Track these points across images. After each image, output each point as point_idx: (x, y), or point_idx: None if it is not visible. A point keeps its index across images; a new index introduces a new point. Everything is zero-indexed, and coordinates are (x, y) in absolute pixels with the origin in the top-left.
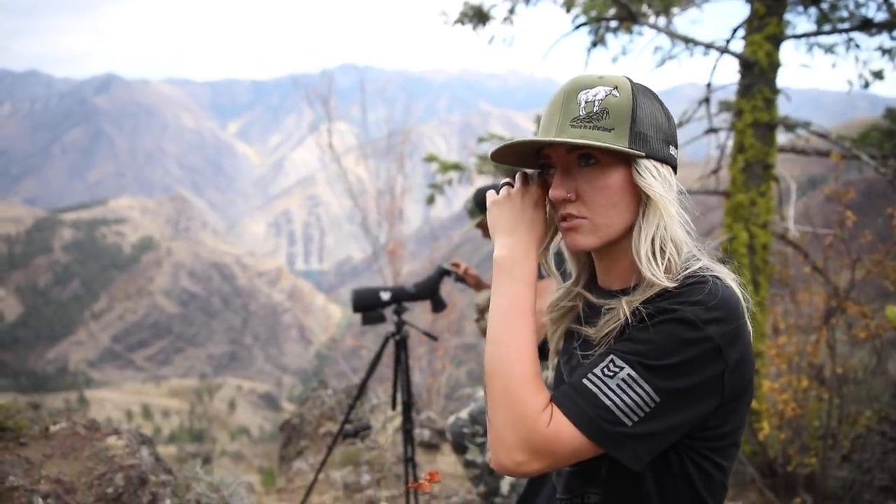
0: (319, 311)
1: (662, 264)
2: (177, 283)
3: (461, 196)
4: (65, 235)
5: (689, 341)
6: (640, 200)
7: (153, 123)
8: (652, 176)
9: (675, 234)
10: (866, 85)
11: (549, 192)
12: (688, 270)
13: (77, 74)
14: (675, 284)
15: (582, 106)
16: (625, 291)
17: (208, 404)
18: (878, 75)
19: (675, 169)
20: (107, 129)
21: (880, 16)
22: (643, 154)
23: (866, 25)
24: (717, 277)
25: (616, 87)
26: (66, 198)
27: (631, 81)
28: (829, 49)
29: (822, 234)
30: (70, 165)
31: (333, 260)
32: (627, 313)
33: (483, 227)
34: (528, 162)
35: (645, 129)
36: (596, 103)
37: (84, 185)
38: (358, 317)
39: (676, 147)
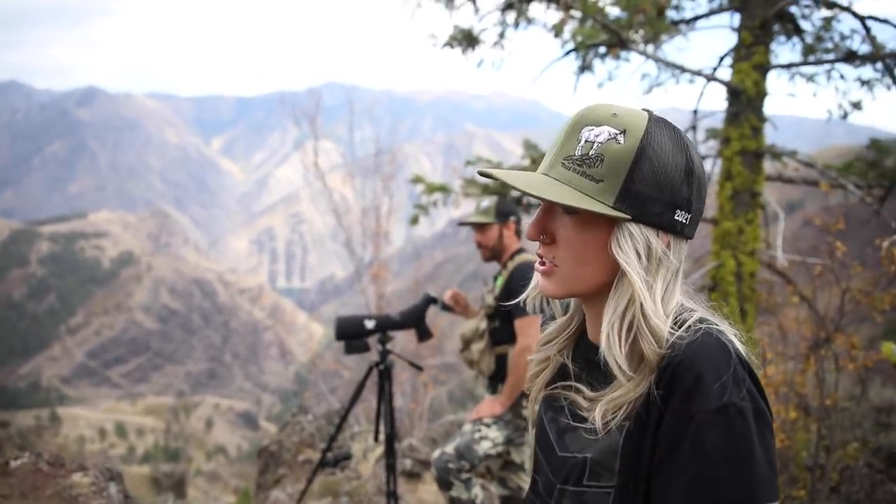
0: (301, 329)
1: (624, 348)
2: (156, 298)
3: (444, 216)
4: (42, 248)
5: (755, 433)
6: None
7: (136, 137)
8: (634, 247)
9: (650, 320)
10: (845, 115)
11: (527, 227)
12: (681, 328)
13: (59, 86)
14: (645, 378)
15: (581, 144)
16: None
17: (185, 423)
18: (857, 105)
19: (683, 235)
20: (88, 142)
21: (864, 48)
22: (629, 217)
23: (850, 57)
24: (720, 332)
25: (624, 132)
26: (44, 210)
27: (650, 125)
28: (811, 79)
29: (809, 262)
30: (50, 178)
31: (316, 278)
32: (637, 391)
33: (487, 229)
34: None
35: (644, 186)
36: (595, 145)
37: (64, 197)
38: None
39: (689, 210)
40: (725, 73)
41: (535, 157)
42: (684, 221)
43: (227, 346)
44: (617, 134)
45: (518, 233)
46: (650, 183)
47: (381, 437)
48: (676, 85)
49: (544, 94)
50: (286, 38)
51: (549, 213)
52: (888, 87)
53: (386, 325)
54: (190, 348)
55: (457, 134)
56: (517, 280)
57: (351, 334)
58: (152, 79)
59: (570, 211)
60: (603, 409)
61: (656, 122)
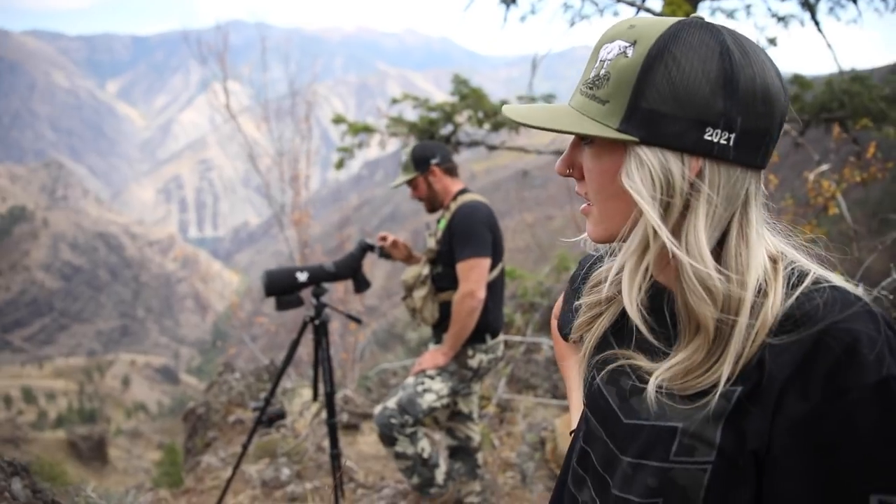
0: (217, 278)
1: (641, 296)
2: (57, 255)
3: (359, 158)
4: None
5: None
6: None
7: (18, 81)
8: (649, 173)
9: (687, 267)
10: None
11: (556, 163)
12: (801, 285)
13: None
14: (705, 343)
15: (596, 65)
16: None
17: (99, 383)
18: (773, 41)
19: (726, 159)
20: None
21: None
22: (636, 139)
23: None
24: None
25: (634, 42)
26: None
27: (671, 29)
28: (731, 14)
29: None
30: None
31: (229, 226)
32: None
33: (414, 184)
34: None
35: (655, 102)
36: (605, 64)
37: None
38: (257, 283)
39: (731, 129)
40: (656, 4)
41: (464, 94)
42: (723, 142)
43: (138, 300)
44: (627, 47)
45: (449, 171)
46: (665, 97)
47: (321, 395)
48: (601, 18)
49: (457, 32)
50: None
51: (576, 146)
52: (802, 23)
53: (320, 277)
54: (98, 306)
55: (369, 73)
56: (459, 221)
57: (282, 289)
58: (32, 15)
59: (585, 140)
60: (657, 381)
61: (687, 27)
